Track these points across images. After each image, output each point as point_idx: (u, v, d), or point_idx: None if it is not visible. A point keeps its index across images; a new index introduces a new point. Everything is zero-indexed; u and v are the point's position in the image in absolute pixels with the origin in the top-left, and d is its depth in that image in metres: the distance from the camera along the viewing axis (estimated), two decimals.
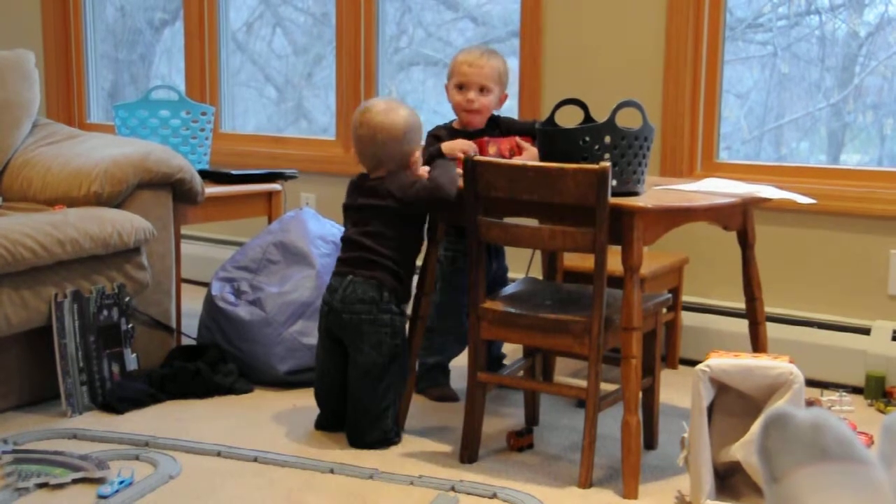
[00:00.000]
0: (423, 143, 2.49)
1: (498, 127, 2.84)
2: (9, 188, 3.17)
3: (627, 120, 2.28)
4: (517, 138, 2.67)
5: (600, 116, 2.34)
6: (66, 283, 2.70)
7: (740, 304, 2.60)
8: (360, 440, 2.48)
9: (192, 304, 3.32)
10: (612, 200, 2.19)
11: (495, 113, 2.86)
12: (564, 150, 2.28)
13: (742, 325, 2.62)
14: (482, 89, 2.75)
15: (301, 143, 4.21)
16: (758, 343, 2.54)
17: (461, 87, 2.77)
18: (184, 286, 3.24)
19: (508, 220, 2.39)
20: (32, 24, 4.81)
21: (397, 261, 2.48)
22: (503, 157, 2.61)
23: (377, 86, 4.00)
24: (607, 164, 2.18)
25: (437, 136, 2.78)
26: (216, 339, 2.98)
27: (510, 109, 3.49)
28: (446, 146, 2.65)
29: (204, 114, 3.51)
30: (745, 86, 3.42)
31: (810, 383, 2.69)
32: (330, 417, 2.58)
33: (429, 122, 4.00)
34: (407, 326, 2.54)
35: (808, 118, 3.31)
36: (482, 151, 2.61)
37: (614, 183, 2.22)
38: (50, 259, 2.64)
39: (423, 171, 2.53)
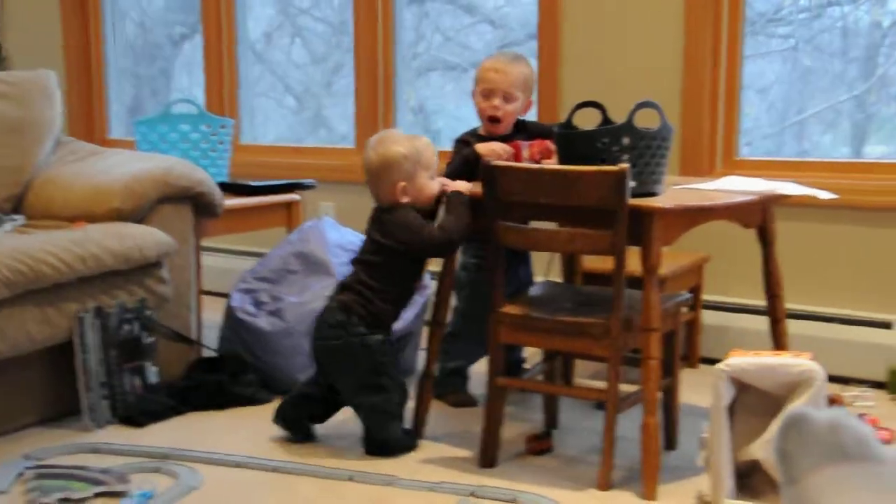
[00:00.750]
0: (420, 172, 2.48)
1: (525, 130, 2.82)
2: (32, 206, 3.20)
3: (646, 120, 2.26)
4: (548, 142, 2.65)
5: (619, 117, 2.32)
6: (87, 298, 2.72)
7: (761, 302, 2.57)
8: (373, 450, 2.50)
9: (212, 315, 3.33)
10: (631, 202, 2.17)
11: (520, 117, 2.84)
12: (583, 152, 2.26)
13: (763, 323, 2.59)
14: (507, 97, 2.74)
15: (320, 152, 4.22)
16: (778, 340, 2.51)
17: (486, 94, 2.75)
18: (204, 298, 3.25)
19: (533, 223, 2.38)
20: (53, 43, 4.88)
21: (373, 287, 2.47)
22: (534, 160, 2.60)
23: (396, 93, 4.00)
24: (626, 165, 2.16)
25: (465, 141, 2.77)
26: (237, 350, 2.99)
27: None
28: (482, 148, 2.63)
29: (223, 127, 3.53)
30: (766, 80, 3.38)
31: (832, 379, 2.65)
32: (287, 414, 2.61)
33: (449, 128, 4.03)
34: (386, 346, 2.50)
35: (830, 111, 3.27)
36: (516, 154, 2.60)
37: (633, 184, 2.20)
38: (71, 275, 2.67)
39: (439, 183, 2.51)
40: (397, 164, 2.45)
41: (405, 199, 2.47)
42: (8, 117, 3.27)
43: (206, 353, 3.10)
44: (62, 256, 2.65)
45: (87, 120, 4.88)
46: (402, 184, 2.46)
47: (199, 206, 3.09)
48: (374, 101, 4.00)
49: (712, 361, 2.85)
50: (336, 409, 2.60)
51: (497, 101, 2.74)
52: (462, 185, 2.48)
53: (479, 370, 2.78)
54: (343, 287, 2.52)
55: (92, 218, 2.96)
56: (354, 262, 2.55)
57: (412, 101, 4.11)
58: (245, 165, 4.13)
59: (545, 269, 2.81)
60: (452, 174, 2.63)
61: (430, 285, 3.06)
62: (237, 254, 4.21)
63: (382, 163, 2.47)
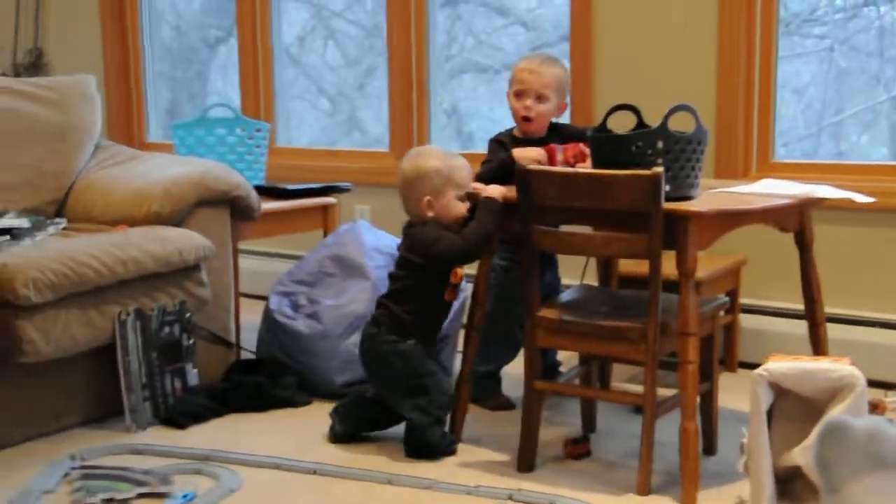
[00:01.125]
0: (449, 190, 2.50)
1: (559, 133, 2.83)
2: (73, 209, 3.25)
3: (681, 123, 2.26)
4: (582, 145, 2.65)
5: (654, 118, 2.32)
6: (128, 301, 2.76)
7: (799, 306, 2.56)
8: (413, 452, 2.52)
9: (250, 317, 3.36)
10: (666, 206, 2.18)
11: (554, 120, 2.85)
12: (617, 156, 2.27)
13: (802, 327, 2.57)
14: (539, 97, 2.75)
15: (355, 155, 4.24)
16: (818, 345, 2.50)
17: (519, 94, 2.77)
18: (242, 300, 3.29)
19: (564, 227, 2.38)
20: (93, 48, 4.93)
21: (398, 300, 2.54)
22: (569, 163, 2.61)
23: (429, 95, 4.01)
24: (660, 169, 2.16)
25: (500, 142, 2.79)
26: (275, 352, 3.02)
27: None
28: (518, 153, 2.65)
29: (258, 130, 3.57)
30: (802, 81, 3.37)
31: (874, 384, 2.63)
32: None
33: (483, 130, 4.04)
34: (421, 349, 2.54)
35: (868, 111, 3.25)
36: (551, 158, 2.61)
37: (668, 188, 2.20)
38: (113, 278, 2.71)
39: (466, 206, 2.53)
40: (428, 177, 2.49)
41: (430, 214, 2.50)
42: (50, 122, 3.33)
43: (245, 356, 3.13)
44: (104, 260, 2.69)
45: (126, 123, 4.93)
46: (428, 198, 2.50)
47: (237, 209, 3.12)
48: (408, 103, 4.01)
49: (751, 366, 2.84)
50: (390, 421, 2.62)
51: (529, 102, 2.75)
52: (496, 191, 2.49)
53: (513, 373, 2.79)
54: (378, 302, 2.61)
55: (131, 221, 3.01)
56: (389, 275, 2.62)
57: (445, 103, 4.12)
58: (281, 168, 4.15)
59: (581, 273, 2.82)
60: (487, 175, 2.66)
61: (465, 288, 3.08)
62: (274, 256, 4.25)
63: (415, 174, 2.51)
